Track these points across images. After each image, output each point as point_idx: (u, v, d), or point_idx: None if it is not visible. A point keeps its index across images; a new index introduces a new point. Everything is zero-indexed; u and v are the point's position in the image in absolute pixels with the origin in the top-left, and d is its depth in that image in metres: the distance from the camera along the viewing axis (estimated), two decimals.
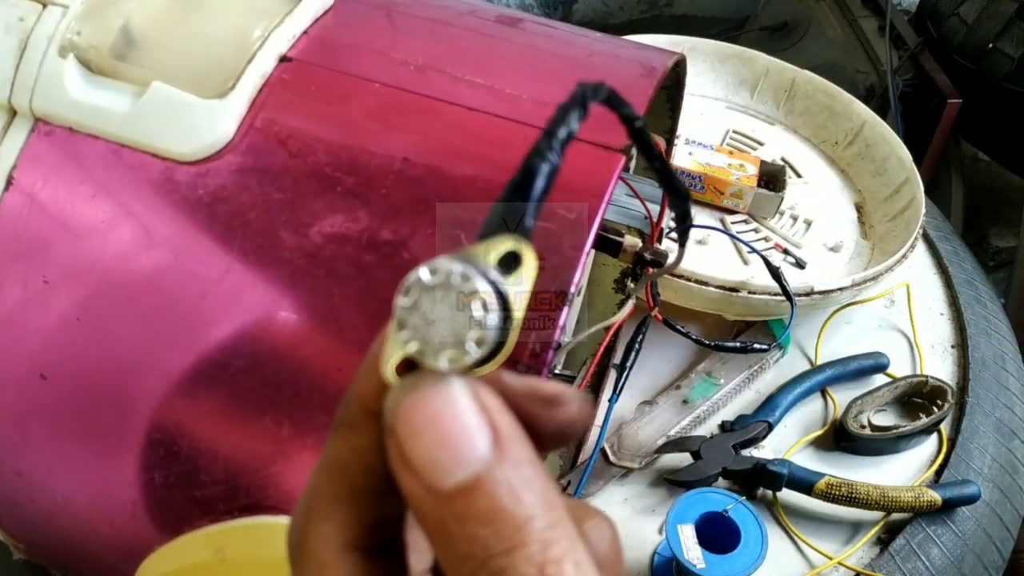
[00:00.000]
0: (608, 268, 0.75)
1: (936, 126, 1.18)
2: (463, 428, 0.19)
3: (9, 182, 0.46)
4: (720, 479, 0.71)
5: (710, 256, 0.86)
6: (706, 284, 0.74)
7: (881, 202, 0.93)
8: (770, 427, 0.75)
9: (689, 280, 0.74)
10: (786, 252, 0.88)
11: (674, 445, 0.73)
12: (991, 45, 1.18)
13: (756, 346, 0.70)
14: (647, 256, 0.59)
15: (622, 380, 0.67)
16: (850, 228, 0.93)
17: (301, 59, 0.47)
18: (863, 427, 0.76)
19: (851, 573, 0.68)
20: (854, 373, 0.81)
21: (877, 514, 0.70)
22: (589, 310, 0.76)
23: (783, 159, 0.99)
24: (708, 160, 0.90)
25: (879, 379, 0.81)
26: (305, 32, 0.48)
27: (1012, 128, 1.22)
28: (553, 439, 0.21)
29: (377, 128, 0.45)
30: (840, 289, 0.77)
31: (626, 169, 0.52)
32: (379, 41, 0.49)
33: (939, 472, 0.74)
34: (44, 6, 0.47)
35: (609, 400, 0.66)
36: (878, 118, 0.96)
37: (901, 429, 0.75)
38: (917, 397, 0.79)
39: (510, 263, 0.20)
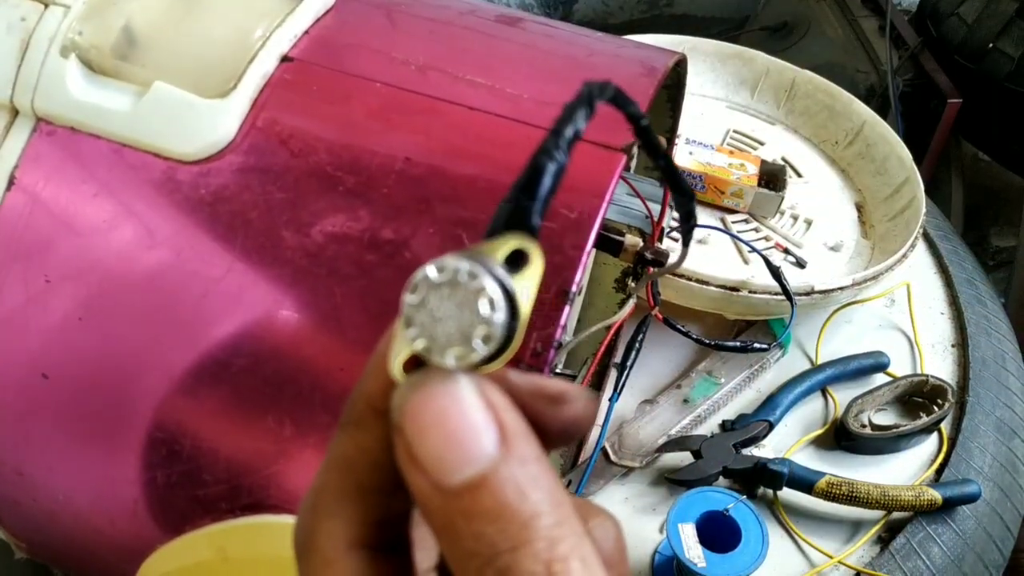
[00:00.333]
0: (609, 267, 0.75)
1: (936, 126, 1.18)
2: (470, 425, 0.19)
3: (11, 182, 0.46)
4: (721, 478, 0.71)
5: (711, 255, 0.86)
6: (707, 283, 0.74)
7: (881, 202, 0.93)
8: (771, 426, 0.75)
9: (690, 279, 0.75)
10: (786, 251, 0.88)
11: (675, 444, 0.73)
12: (991, 45, 1.18)
13: (756, 345, 0.70)
14: (648, 255, 0.59)
15: (623, 379, 0.67)
16: (850, 228, 0.93)
17: (302, 59, 0.47)
18: (864, 426, 0.76)
19: (851, 572, 0.68)
20: (854, 372, 0.81)
21: (878, 513, 0.71)
22: (590, 309, 0.76)
23: (783, 159, 0.99)
24: (709, 160, 0.90)
25: (879, 378, 0.81)
26: (306, 32, 0.48)
27: (1012, 128, 1.22)
28: (559, 436, 0.21)
29: (378, 128, 0.45)
30: (840, 288, 0.77)
31: (627, 168, 0.52)
32: (380, 41, 0.49)
33: (939, 471, 0.74)
34: (46, 6, 0.47)
35: (610, 399, 0.66)
36: (878, 118, 0.96)
37: (901, 428, 0.75)
38: (917, 396, 0.79)
39: (517, 261, 0.20)
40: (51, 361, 0.46)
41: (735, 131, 1.02)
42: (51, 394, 0.46)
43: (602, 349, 0.71)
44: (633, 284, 0.73)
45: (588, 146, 0.43)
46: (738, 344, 0.71)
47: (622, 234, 0.59)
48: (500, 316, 0.19)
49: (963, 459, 0.75)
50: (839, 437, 0.76)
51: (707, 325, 0.84)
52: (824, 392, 0.80)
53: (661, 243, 0.66)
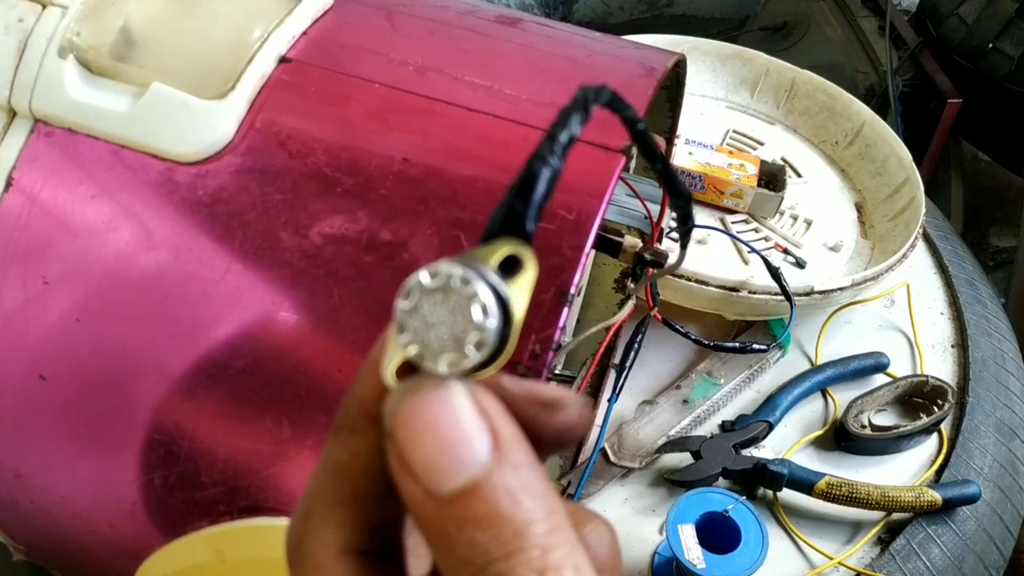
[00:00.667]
0: (608, 268, 0.75)
1: (936, 126, 1.18)
2: (462, 432, 0.19)
3: (9, 183, 0.46)
4: (720, 479, 0.71)
5: (710, 256, 0.86)
6: (706, 284, 0.74)
7: (881, 202, 0.93)
8: (770, 427, 0.75)
9: (689, 280, 0.74)
10: (786, 252, 0.88)
11: (674, 445, 0.73)
12: (991, 45, 1.18)
13: (756, 346, 0.70)
14: (647, 256, 0.59)
15: (622, 380, 0.67)
16: (850, 228, 0.93)
17: (301, 60, 0.47)
18: (863, 427, 0.76)
19: (851, 573, 0.68)
20: (854, 373, 0.81)
21: (877, 514, 0.70)
22: (589, 310, 0.76)
23: (783, 159, 0.99)
24: (708, 160, 0.90)
25: (879, 379, 0.81)
26: (304, 33, 0.48)
27: (1012, 128, 1.22)
28: (552, 443, 0.21)
29: (377, 129, 0.45)
30: (840, 289, 0.77)
31: (626, 169, 0.52)
32: (378, 42, 0.49)
33: (939, 472, 0.74)
34: (43, 7, 0.47)
35: (609, 400, 0.66)
36: (878, 118, 0.96)
37: (901, 429, 0.75)
38: (917, 397, 0.79)
39: (511, 267, 0.20)
40: (49, 362, 0.46)
41: (735, 131, 1.02)
42: (49, 395, 0.46)
43: (601, 350, 0.71)
44: (632, 285, 0.72)
45: (587, 147, 0.43)
46: (738, 345, 0.71)
47: (621, 235, 0.59)
48: (493, 322, 0.19)
49: (963, 460, 0.75)
50: (839, 438, 0.76)
51: (707, 326, 0.83)
52: (824, 393, 0.80)
53: (660, 244, 0.66)
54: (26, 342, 0.46)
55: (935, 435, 0.77)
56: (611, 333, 0.67)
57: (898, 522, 0.71)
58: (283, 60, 0.47)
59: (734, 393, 0.79)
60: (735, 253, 0.87)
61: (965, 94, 1.16)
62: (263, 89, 0.46)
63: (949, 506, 0.70)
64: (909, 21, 1.33)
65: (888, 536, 0.70)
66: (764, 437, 0.75)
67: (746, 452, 0.73)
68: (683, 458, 0.73)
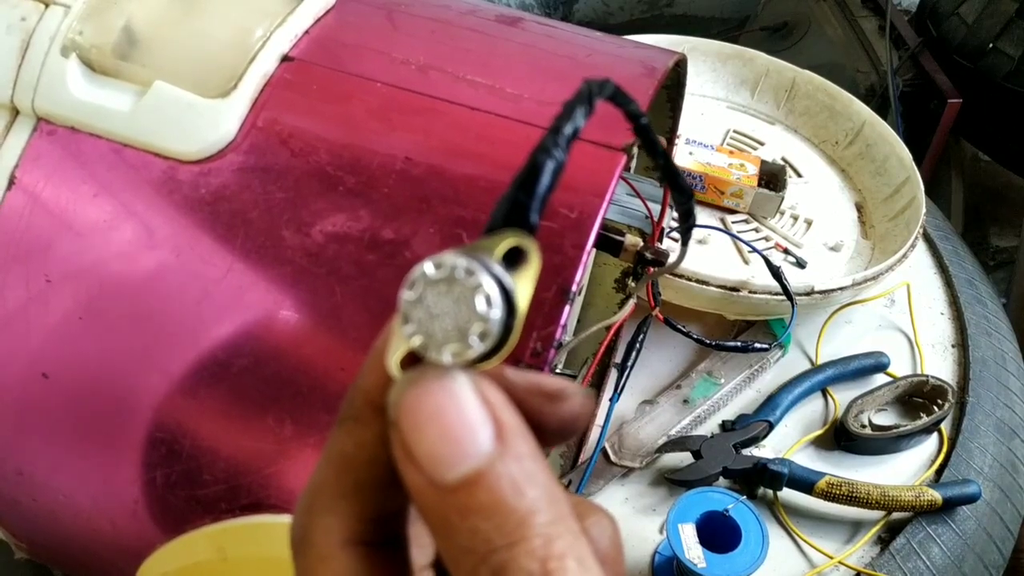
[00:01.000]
0: (609, 267, 0.75)
1: (936, 126, 1.18)
2: (466, 422, 0.19)
3: (11, 181, 0.46)
4: (721, 478, 0.71)
5: (711, 256, 0.86)
6: (707, 284, 0.75)
7: (881, 202, 0.93)
8: (771, 426, 0.75)
9: (690, 280, 0.75)
10: (787, 252, 0.88)
11: (675, 444, 0.73)
12: (991, 45, 1.18)
13: (756, 346, 0.70)
14: (648, 255, 0.59)
15: (623, 379, 0.67)
16: (850, 228, 0.93)
17: (303, 59, 0.47)
18: (864, 426, 0.76)
19: (852, 572, 0.68)
20: (854, 372, 0.81)
21: (878, 513, 0.70)
22: (590, 309, 0.76)
23: (783, 159, 0.99)
24: (709, 160, 0.90)
25: (880, 378, 0.81)
26: (307, 32, 0.48)
27: (1012, 128, 1.22)
28: (556, 434, 0.21)
29: (379, 127, 0.45)
30: (840, 289, 0.77)
31: (627, 168, 0.52)
32: (380, 41, 0.49)
33: (939, 471, 0.74)
34: (46, 6, 0.47)
35: (610, 399, 0.66)
36: (878, 118, 0.96)
37: (901, 428, 0.75)
38: (917, 396, 0.79)
39: (514, 258, 0.20)
40: (51, 361, 0.46)
41: (735, 131, 1.02)
42: (51, 394, 0.46)
43: (602, 349, 0.71)
44: (633, 284, 0.73)
45: (588, 146, 0.43)
46: (738, 344, 0.71)
47: (622, 234, 0.59)
48: (497, 313, 0.19)
49: (963, 459, 0.75)
50: (839, 437, 0.76)
51: (707, 325, 0.84)
52: (824, 392, 0.80)
53: (661, 243, 0.66)
54: (28, 341, 0.46)
55: (935, 435, 0.77)
56: (612, 332, 0.67)
57: (898, 521, 0.71)
58: (285, 59, 0.47)
59: (734, 393, 0.79)
60: (736, 253, 0.87)
61: (965, 94, 1.16)
62: (265, 88, 0.46)
63: (949, 505, 0.70)
64: (909, 21, 1.33)
65: (888, 535, 0.70)
66: (764, 437, 0.75)
67: (746, 452, 0.73)
68: (683, 458, 0.73)
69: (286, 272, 0.43)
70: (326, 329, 0.43)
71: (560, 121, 0.20)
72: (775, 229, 0.91)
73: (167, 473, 0.45)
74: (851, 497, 0.68)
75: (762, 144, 1.01)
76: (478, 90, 0.46)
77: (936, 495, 0.69)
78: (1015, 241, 1.34)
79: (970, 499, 0.71)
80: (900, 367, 0.83)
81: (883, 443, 0.75)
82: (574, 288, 0.40)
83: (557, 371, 0.70)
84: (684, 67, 0.62)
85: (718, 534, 0.63)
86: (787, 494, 0.71)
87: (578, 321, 0.76)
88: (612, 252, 0.60)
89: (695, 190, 0.90)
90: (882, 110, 1.14)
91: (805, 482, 0.69)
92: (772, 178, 0.91)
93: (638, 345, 0.67)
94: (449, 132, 0.45)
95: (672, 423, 0.75)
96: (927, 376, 0.79)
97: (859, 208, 0.95)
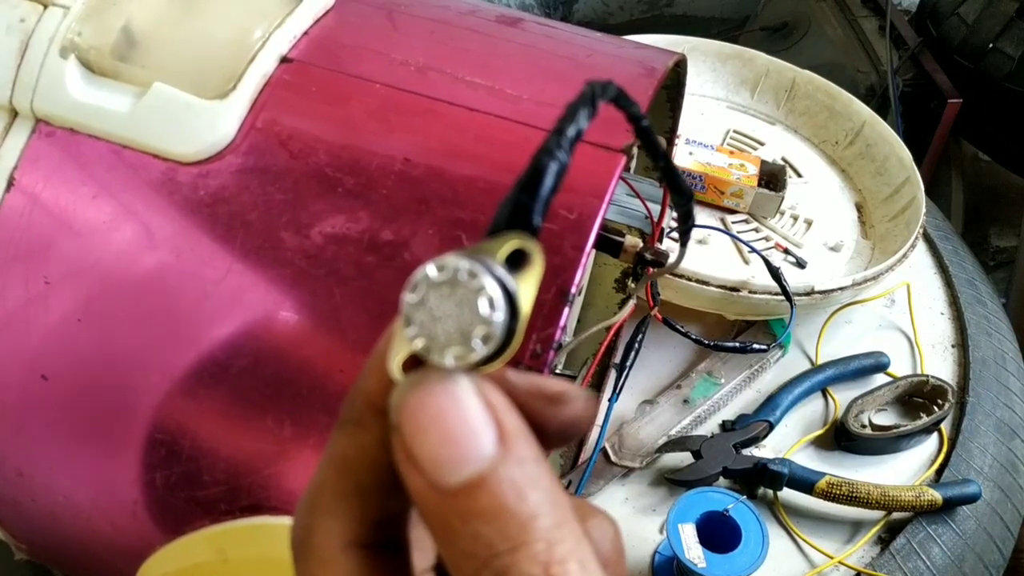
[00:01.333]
0: (609, 268, 0.75)
1: (936, 126, 1.18)
2: (468, 425, 0.19)
3: (10, 183, 0.46)
4: (721, 478, 0.71)
5: (710, 256, 0.86)
6: (707, 284, 0.74)
7: (881, 202, 0.93)
8: (771, 426, 0.75)
9: (690, 280, 0.75)
10: (786, 252, 0.88)
11: (675, 444, 0.73)
12: (991, 45, 1.18)
13: (756, 346, 0.70)
14: (648, 256, 0.59)
15: (622, 380, 0.67)
16: (850, 228, 0.93)
17: (302, 60, 0.47)
18: (864, 426, 0.76)
19: (852, 572, 0.68)
20: (855, 373, 0.81)
21: (878, 513, 0.70)
22: (590, 309, 0.76)
23: (783, 159, 0.99)
24: (709, 160, 0.90)
25: (880, 378, 0.81)
26: (306, 33, 0.48)
27: (1012, 128, 1.22)
28: (558, 437, 0.21)
29: (378, 129, 0.45)
30: (840, 289, 0.77)
31: (627, 169, 0.52)
32: (380, 42, 0.49)
33: (940, 471, 0.74)
34: (45, 7, 0.47)
35: (609, 400, 0.66)
36: (878, 118, 0.96)
37: (902, 428, 0.75)
38: (918, 396, 0.79)
39: (517, 261, 0.20)
40: (51, 362, 0.46)
41: (735, 131, 1.02)
42: (51, 395, 0.46)
43: (602, 350, 0.71)
44: (633, 284, 0.73)
45: (588, 147, 0.43)
46: (738, 345, 0.71)
47: (622, 234, 0.59)
48: (500, 316, 0.19)
49: (963, 459, 0.75)
50: (839, 437, 0.76)
51: (707, 325, 0.84)
52: (824, 392, 0.80)
53: (661, 243, 0.66)
54: (28, 342, 0.46)
55: (935, 435, 0.77)
56: (612, 333, 0.67)
57: (898, 521, 0.71)
58: (284, 60, 0.47)
59: (734, 393, 0.79)
60: (735, 253, 0.87)
61: (965, 94, 1.16)
62: (264, 89, 0.46)
63: (949, 505, 0.70)
64: (909, 21, 1.33)
65: (888, 535, 0.70)
66: (764, 437, 0.75)
67: (746, 452, 0.73)
68: (683, 458, 0.73)
69: (285, 273, 0.43)
70: (325, 330, 0.43)
71: (563, 123, 0.20)
72: (775, 229, 0.91)
73: (167, 474, 0.45)
74: (851, 497, 0.68)
75: (762, 144, 1.01)
76: (477, 91, 0.46)
77: (936, 495, 0.69)
78: (1015, 241, 1.34)
79: (970, 499, 0.71)
80: (900, 367, 0.83)
81: (883, 443, 0.75)
82: (574, 289, 0.40)
83: (557, 372, 0.70)
84: (684, 67, 0.62)
85: (718, 534, 0.63)
86: (787, 494, 0.71)
87: (578, 322, 0.76)
88: (612, 253, 0.60)
89: (695, 190, 0.90)
90: (882, 110, 1.14)
91: (805, 482, 0.69)
92: (772, 178, 0.91)
93: (637, 345, 0.67)
94: (448, 133, 0.45)
95: (672, 423, 0.75)
96: (927, 376, 0.79)
97: (859, 208, 0.95)
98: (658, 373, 0.80)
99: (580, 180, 0.42)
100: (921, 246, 0.94)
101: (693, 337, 0.66)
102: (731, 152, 0.93)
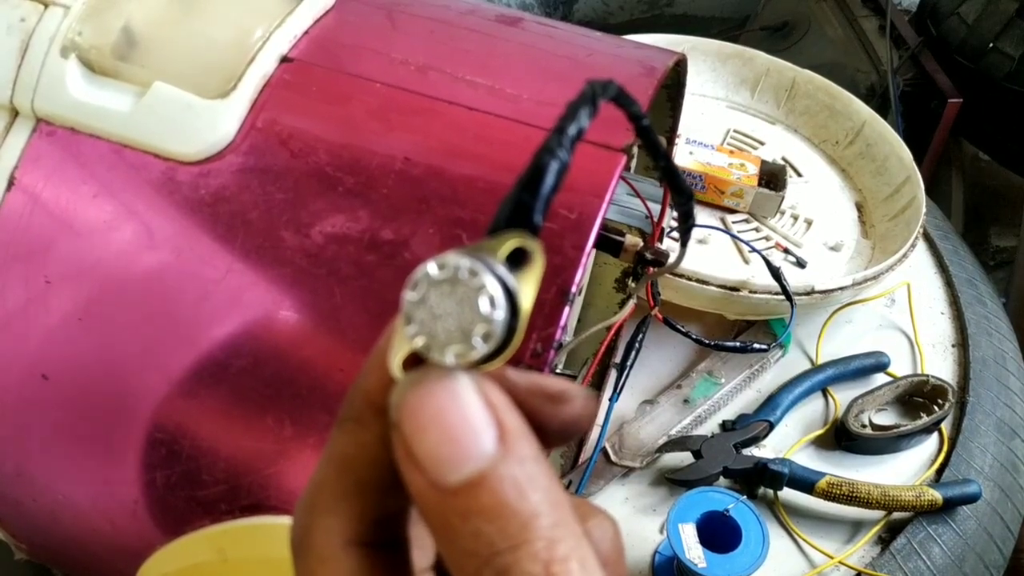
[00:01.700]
0: (609, 267, 0.75)
1: (936, 126, 1.18)
2: (469, 424, 0.19)
3: (11, 182, 0.46)
4: (721, 478, 0.71)
5: (711, 255, 0.86)
6: (707, 283, 0.74)
7: (882, 201, 0.93)
8: (771, 426, 0.75)
9: (690, 279, 0.75)
10: (787, 251, 0.88)
11: (675, 444, 0.73)
12: (991, 45, 1.18)
13: (756, 346, 0.70)
14: (648, 255, 0.59)
15: (623, 379, 0.67)
16: (851, 227, 0.93)
17: (302, 59, 0.47)
18: (864, 426, 0.76)
19: (852, 572, 0.68)
20: (855, 372, 0.81)
21: (878, 513, 0.70)
22: (590, 309, 0.76)
23: (784, 158, 0.99)
24: (709, 159, 0.90)
25: (880, 378, 0.81)
26: (306, 32, 0.48)
27: (1012, 128, 1.22)
28: (558, 435, 0.21)
29: (378, 128, 0.45)
30: (841, 288, 0.77)
31: (627, 168, 0.52)
32: (380, 41, 0.49)
33: (940, 471, 0.74)
34: (46, 7, 0.47)
35: (610, 399, 0.66)
36: (879, 117, 0.96)
37: (902, 428, 0.75)
38: (918, 396, 0.79)
39: (518, 259, 0.20)
40: (51, 362, 0.46)
41: (735, 131, 1.02)
42: (51, 395, 0.46)
43: (602, 349, 0.71)
44: (633, 284, 0.72)
45: (588, 146, 0.43)
46: (738, 344, 0.71)
47: (622, 234, 0.59)
48: (500, 314, 0.19)
49: (963, 459, 0.75)
50: (839, 437, 0.76)
51: (707, 325, 0.84)
52: (824, 392, 0.80)
53: (661, 243, 0.66)
54: (28, 342, 0.46)
55: (935, 434, 0.77)
56: (612, 332, 0.67)
57: (899, 521, 0.71)
58: (285, 60, 0.47)
59: (735, 392, 0.79)
60: (736, 253, 0.87)
61: (965, 94, 1.16)
62: (265, 88, 0.46)
63: (949, 505, 0.70)
64: (909, 21, 1.33)
65: (889, 535, 0.70)
66: (765, 436, 0.75)
67: (747, 451, 0.73)
68: (684, 457, 0.73)
69: (285, 273, 0.43)
70: (325, 330, 0.43)
71: (564, 122, 0.20)
72: (775, 229, 0.91)
73: (167, 474, 0.45)
74: (851, 497, 0.68)
75: (762, 144, 1.01)
76: (477, 90, 0.46)
77: (936, 495, 0.69)
78: (1015, 241, 1.34)
79: (970, 499, 0.71)
80: (900, 367, 0.83)
81: (883, 443, 0.75)
82: (574, 289, 0.40)
83: (557, 371, 0.70)
84: (684, 67, 0.62)
85: (718, 534, 0.63)
86: (787, 494, 0.71)
87: (578, 321, 0.76)
88: (612, 252, 0.60)
89: (695, 190, 0.90)
90: (882, 110, 1.13)
91: (805, 482, 0.69)
92: (772, 178, 0.91)
93: (637, 345, 0.67)
94: (448, 133, 0.45)
95: (672, 423, 0.75)
96: (927, 376, 0.79)
97: (859, 208, 0.95)
98: (658, 373, 0.80)
99: (580, 180, 0.42)
100: (921, 246, 0.94)
101: (693, 337, 0.66)
102: (731, 152, 0.93)
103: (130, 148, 0.45)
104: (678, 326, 0.65)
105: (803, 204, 0.94)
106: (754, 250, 0.81)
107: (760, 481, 0.70)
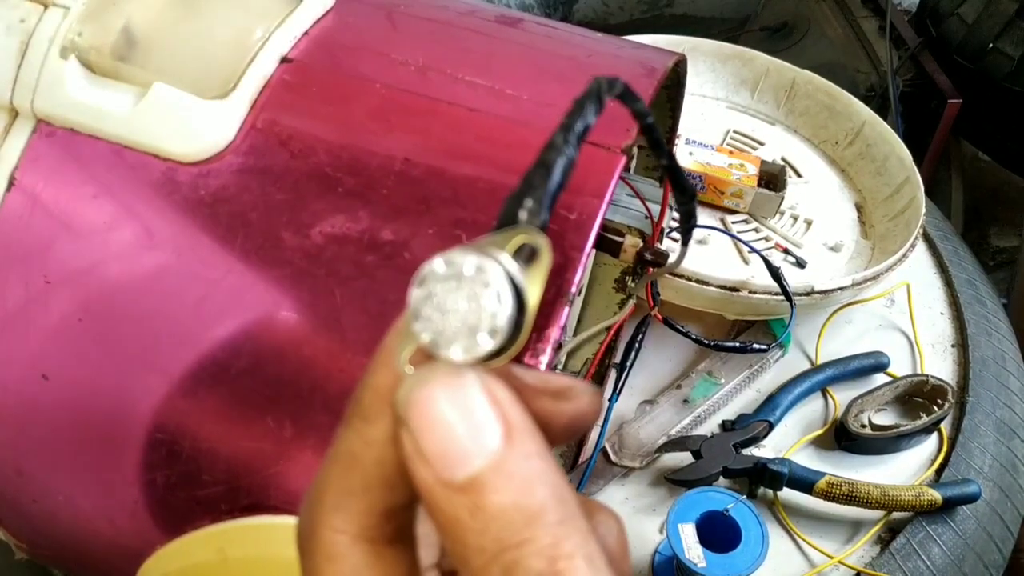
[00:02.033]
0: (609, 268, 0.75)
1: (936, 126, 1.18)
2: (475, 420, 0.19)
3: (11, 183, 0.46)
4: (721, 478, 0.71)
5: (710, 256, 0.86)
6: (706, 284, 0.75)
7: (881, 202, 0.93)
8: (771, 426, 0.75)
9: (689, 280, 0.75)
10: (786, 252, 0.88)
11: (675, 444, 0.73)
12: (991, 45, 1.18)
13: (756, 346, 0.71)
14: (647, 256, 0.59)
15: (622, 379, 0.67)
16: (850, 228, 0.93)
17: (302, 60, 0.47)
18: (864, 426, 0.76)
19: (852, 572, 0.68)
20: (854, 372, 0.81)
21: (878, 513, 0.71)
22: (590, 309, 0.76)
23: (783, 159, 0.99)
24: (708, 160, 0.90)
25: (879, 378, 0.81)
26: (306, 33, 0.48)
27: (1012, 128, 1.22)
28: (564, 432, 0.21)
29: (378, 129, 0.45)
30: (840, 289, 0.77)
31: (626, 168, 0.52)
32: (380, 42, 0.49)
33: (939, 471, 0.74)
34: (45, 7, 0.47)
35: (610, 399, 0.67)
36: (878, 118, 0.96)
37: (901, 428, 0.75)
38: (918, 396, 0.79)
39: (525, 255, 0.20)
40: (51, 362, 0.46)
41: (735, 131, 1.02)
42: (51, 395, 0.46)
43: (602, 349, 0.71)
44: (633, 284, 0.73)
45: (588, 147, 0.43)
46: (738, 345, 0.71)
47: (622, 234, 0.59)
48: (507, 310, 0.19)
49: (963, 459, 0.75)
50: (839, 437, 0.76)
51: (707, 325, 0.84)
52: (824, 392, 0.80)
53: (661, 243, 0.66)
54: (28, 342, 0.46)
55: (935, 434, 0.77)
56: (612, 333, 0.67)
57: (898, 521, 0.71)
58: (284, 60, 0.47)
59: (734, 392, 0.79)
60: (735, 253, 0.87)
61: (965, 94, 1.16)
62: (264, 89, 0.46)
63: (949, 505, 0.70)
64: (909, 21, 1.33)
65: (888, 535, 0.70)
66: (764, 436, 0.75)
67: (746, 451, 0.73)
68: (683, 457, 0.73)
69: (285, 273, 0.43)
70: (325, 330, 0.43)
71: (571, 118, 0.20)
72: (775, 229, 0.91)
73: (167, 474, 0.45)
74: (851, 497, 0.68)
75: (762, 144, 1.01)
76: (477, 91, 0.46)
77: (936, 495, 0.69)
78: (1015, 241, 1.34)
79: (970, 499, 0.71)
80: (900, 367, 0.83)
81: (883, 443, 0.75)
82: (573, 289, 0.40)
83: (558, 372, 0.70)
84: (684, 67, 0.62)
85: (718, 534, 0.63)
86: (787, 494, 0.71)
87: (578, 321, 0.76)
88: (612, 253, 0.60)
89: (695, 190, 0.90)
90: (882, 110, 1.14)
91: (805, 482, 0.69)
92: (772, 178, 0.91)
93: (637, 345, 0.67)
94: (448, 133, 0.45)
95: (672, 423, 0.75)
96: (927, 376, 0.79)
97: (859, 208, 0.95)
98: (658, 373, 0.80)
99: (580, 180, 0.42)
100: (921, 246, 0.94)
101: (693, 337, 0.66)
102: (731, 152, 0.93)
103: (130, 149, 0.45)
104: (678, 326, 0.65)
105: (803, 204, 0.94)
106: (754, 250, 0.81)
107: (760, 481, 0.70)
